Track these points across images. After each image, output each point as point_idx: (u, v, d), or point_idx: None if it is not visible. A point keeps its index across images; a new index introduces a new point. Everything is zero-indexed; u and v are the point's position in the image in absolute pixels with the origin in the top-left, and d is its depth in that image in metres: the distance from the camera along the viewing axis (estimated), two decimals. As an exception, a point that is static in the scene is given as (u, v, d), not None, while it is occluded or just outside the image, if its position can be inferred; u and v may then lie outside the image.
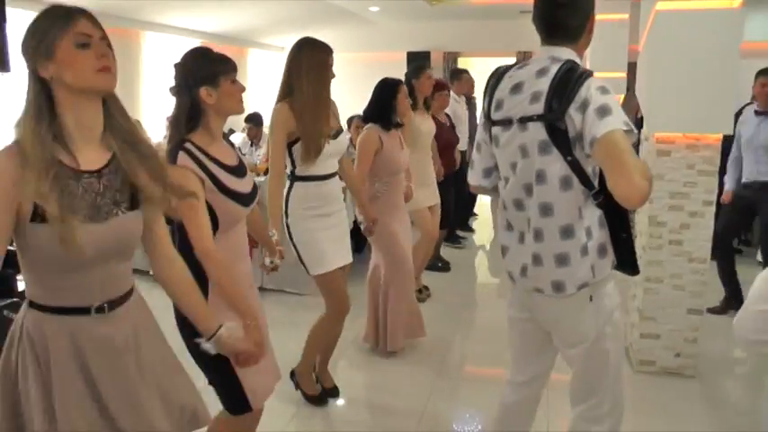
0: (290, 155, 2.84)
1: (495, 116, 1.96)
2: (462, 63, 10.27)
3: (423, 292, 4.74)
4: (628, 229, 1.90)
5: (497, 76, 2.00)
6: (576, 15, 1.86)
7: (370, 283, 3.80)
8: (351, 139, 6.35)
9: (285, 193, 2.90)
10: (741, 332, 1.25)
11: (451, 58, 10.31)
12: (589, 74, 1.79)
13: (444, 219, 4.92)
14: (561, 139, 1.79)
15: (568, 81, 1.77)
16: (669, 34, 3.33)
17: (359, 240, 4.97)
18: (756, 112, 4.40)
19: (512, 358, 2.21)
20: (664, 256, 3.45)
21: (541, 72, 1.85)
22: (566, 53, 1.87)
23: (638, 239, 3.69)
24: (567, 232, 1.86)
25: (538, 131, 1.83)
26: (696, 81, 3.27)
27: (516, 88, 1.91)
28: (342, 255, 3.04)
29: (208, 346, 1.67)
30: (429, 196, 4.52)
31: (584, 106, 1.73)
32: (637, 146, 6.01)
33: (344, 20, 9.72)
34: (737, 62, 3.36)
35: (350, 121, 6.70)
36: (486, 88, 2.03)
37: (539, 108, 1.82)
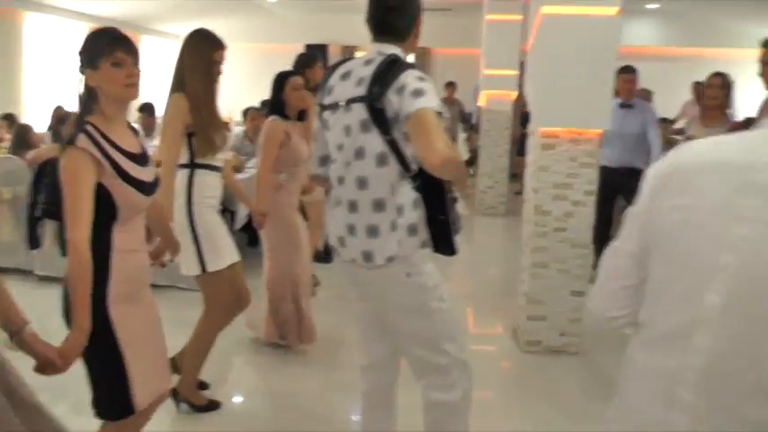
0: (190, 146, 2.79)
1: (326, 101, 2.12)
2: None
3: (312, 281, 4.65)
4: (445, 212, 2.04)
5: (332, 69, 2.16)
6: (403, 18, 2.05)
7: (273, 279, 3.68)
8: (246, 132, 6.27)
9: (186, 183, 2.81)
10: (597, 310, 1.30)
11: (349, 51, 10.40)
12: (410, 65, 1.98)
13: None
14: (381, 119, 1.95)
15: (390, 69, 1.95)
16: (553, 37, 3.57)
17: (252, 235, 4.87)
18: (621, 105, 4.88)
19: (361, 343, 2.35)
20: (549, 243, 3.70)
21: (368, 62, 2.02)
22: (392, 49, 2.04)
23: (524, 227, 3.93)
24: (379, 206, 2.00)
25: (360, 111, 1.98)
26: (578, 81, 3.53)
27: (345, 76, 2.07)
28: (233, 253, 2.99)
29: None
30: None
31: (401, 89, 1.90)
32: (523, 140, 6.35)
33: (243, 9, 9.55)
34: (615, 64, 3.67)
35: (245, 112, 6.62)
36: (322, 81, 2.19)
37: (362, 90, 1.97)
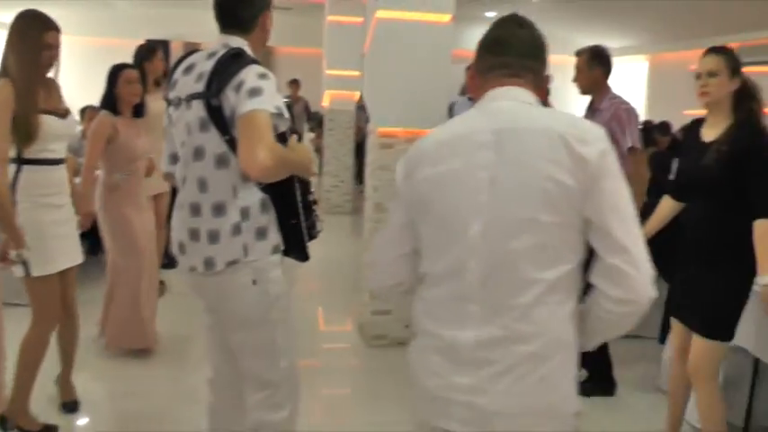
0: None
1: (171, 96, 2.03)
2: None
3: (160, 287, 4.47)
4: (296, 216, 1.97)
5: (179, 61, 2.07)
6: (248, 8, 1.97)
7: (112, 282, 3.55)
8: (84, 132, 5.84)
9: (12, 181, 2.54)
10: (379, 282, 1.55)
11: (192, 48, 10.00)
12: (254, 60, 1.89)
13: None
14: (218, 117, 1.85)
15: (231, 64, 1.85)
16: (389, 40, 3.70)
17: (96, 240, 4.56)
18: (470, 99, 5.15)
19: (208, 356, 2.19)
20: (390, 240, 3.81)
21: (211, 55, 1.92)
22: (238, 42, 1.95)
23: (366, 225, 4.03)
24: (220, 209, 1.89)
25: (199, 109, 1.89)
26: (414, 83, 3.68)
27: (188, 69, 1.97)
28: (71, 255, 2.76)
29: None
30: (156, 183, 3.94)
31: (239, 86, 1.80)
32: (363, 141, 6.49)
33: (77, -1, 8.85)
34: (450, 67, 3.86)
35: (83, 111, 6.18)
36: (170, 74, 2.09)
37: (200, 86, 1.88)
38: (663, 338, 3.66)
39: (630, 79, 11.24)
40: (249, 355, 2.02)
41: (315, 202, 2.06)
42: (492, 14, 10.49)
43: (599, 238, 1.30)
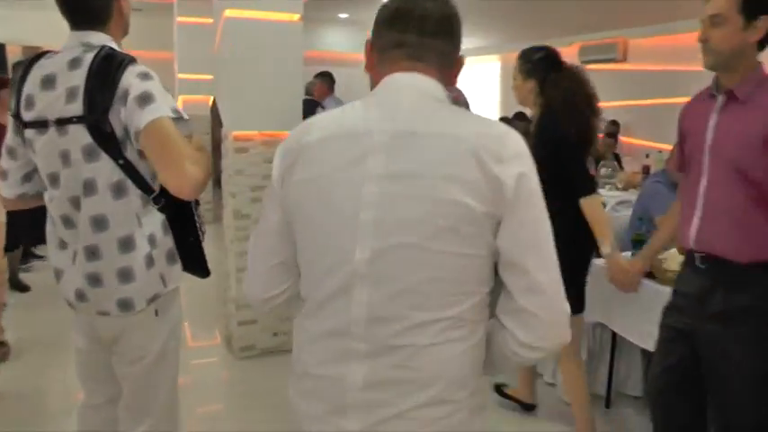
0: None
1: (27, 117, 1.68)
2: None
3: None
4: (195, 232, 1.83)
5: (25, 67, 1.74)
6: None
7: None
8: None
9: None
10: (254, 294, 1.29)
11: (32, 52, 9.14)
12: (131, 59, 1.66)
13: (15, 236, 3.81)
14: (109, 140, 1.62)
15: (107, 72, 1.61)
16: (238, 40, 3.57)
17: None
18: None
19: (81, 382, 1.97)
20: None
21: (75, 63, 1.64)
22: (99, 38, 1.69)
23: (226, 233, 3.88)
24: (127, 244, 1.68)
25: (81, 135, 1.62)
26: (266, 84, 3.58)
27: (48, 82, 1.66)
28: None
29: None
30: None
31: (124, 96, 1.59)
32: (218, 146, 6.25)
33: None
34: (301, 68, 3.80)
35: None
36: (12, 82, 1.80)
37: (78, 108, 1.61)
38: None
39: (485, 78, 11.77)
40: (139, 387, 1.84)
41: (198, 203, 1.90)
42: (345, 16, 10.58)
43: (511, 275, 1.10)
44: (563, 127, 2.53)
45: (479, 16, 9.12)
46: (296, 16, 3.68)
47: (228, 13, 3.57)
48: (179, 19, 7.23)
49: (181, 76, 7.28)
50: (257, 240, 1.28)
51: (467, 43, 11.93)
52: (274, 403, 3.25)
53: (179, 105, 5.79)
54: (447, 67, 1.21)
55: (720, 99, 1.95)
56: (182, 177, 1.60)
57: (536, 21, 8.55)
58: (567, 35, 8.88)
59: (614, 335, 3.15)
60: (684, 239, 2.02)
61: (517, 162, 1.07)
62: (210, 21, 7.30)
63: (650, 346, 2.60)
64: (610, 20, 7.98)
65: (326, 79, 6.13)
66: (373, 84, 1.22)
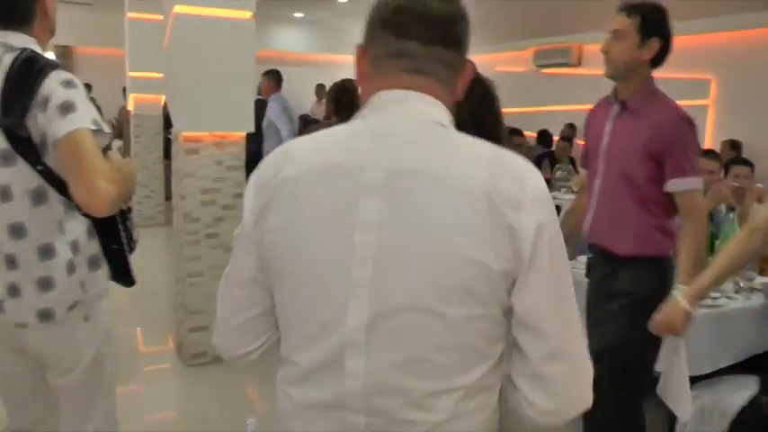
0: None
1: None
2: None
3: None
4: (118, 241, 1.76)
5: None
6: None
7: None
8: None
9: None
10: (227, 349, 1.12)
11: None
12: (54, 65, 1.58)
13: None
14: (26, 145, 1.55)
15: (27, 76, 1.53)
16: (188, 37, 3.47)
17: None
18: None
19: (4, 402, 1.85)
20: (202, 251, 3.59)
21: None
22: (21, 40, 1.62)
23: (176, 237, 3.77)
24: (47, 252, 1.61)
25: None
26: (218, 83, 3.48)
27: None
28: None
29: None
30: None
31: (45, 103, 1.53)
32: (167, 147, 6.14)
33: None
34: (254, 68, 3.72)
35: None
36: None
37: None
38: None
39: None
40: (76, 396, 1.77)
41: (130, 210, 1.83)
42: (300, 15, 10.49)
43: (529, 338, 0.94)
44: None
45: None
46: (248, 14, 3.60)
47: (178, 8, 3.46)
48: (130, 14, 7.02)
49: (132, 74, 7.07)
50: (229, 288, 1.09)
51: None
52: (224, 411, 3.19)
53: (130, 105, 5.70)
54: (453, 79, 1.01)
55: (615, 108, 2.19)
56: (92, 193, 1.53)
57: (490, 24, 8.63)
58: (521, 39, 8.98)
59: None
60: (584, 230, 2.31)
61: (537, 209, 0.91)
62: (161, 17, 7.20)
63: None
64: (564, 24, 8.11)
65: (273, 76, 6.06)
66: (363, 98, 1.03)
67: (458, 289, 0.89)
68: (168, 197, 6.62)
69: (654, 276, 2.13)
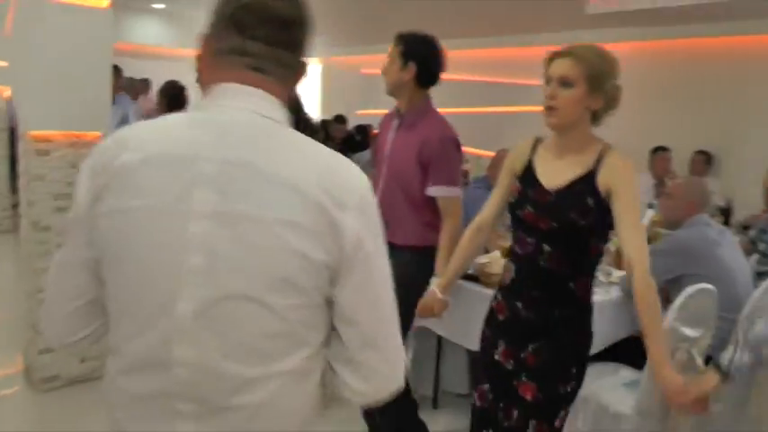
0: None
1: None
2: None
3: None
4: None
5: None
6: None
7: None
8: None
9: None
10: (55, 338, 1.11)
11: None
12: None
13: None
14: None
15: None
16: (35, 24, 3.13)
17: None
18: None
19: None
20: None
21: None
22: None
23: (23, 247, 3.41)
24: None
25: None
26: (71, 77, 3.17)
27: None
28: None
29: None
30: None
31: None
32: (12, 144, 5.57)
33: None
34: (111, 61, 3.43)
35: None
36: None
37: None
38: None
39: (306, 80, 11.74)
40: None
41: None
42: (161, 6, 9.98)
43: (348, 329, 1.02)
44: None
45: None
46: (105, 2, 3.32)
47: (23, -6, 3.12)
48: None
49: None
50: (58, 274, 1.08)
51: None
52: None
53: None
54: (291, 78, 1.08)
55: (396, 121, 2.54)
56: None
57: (361, 26, 8.68)
58: (388, 42, 9.12)
59: (439, 338, 3.23)
60: None
61: (361, 211, 0.98)
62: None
63: (475, 345, 2.76)
64: (437, 31, 8.32)
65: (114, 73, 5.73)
66: (203, 87, 1.06)
67: (284, 279, 0.94)
68: (15, 204, 6.01)
69: (421, 264, 2.49)
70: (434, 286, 2.28)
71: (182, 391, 0.96)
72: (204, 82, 1.05)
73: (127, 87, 6.20)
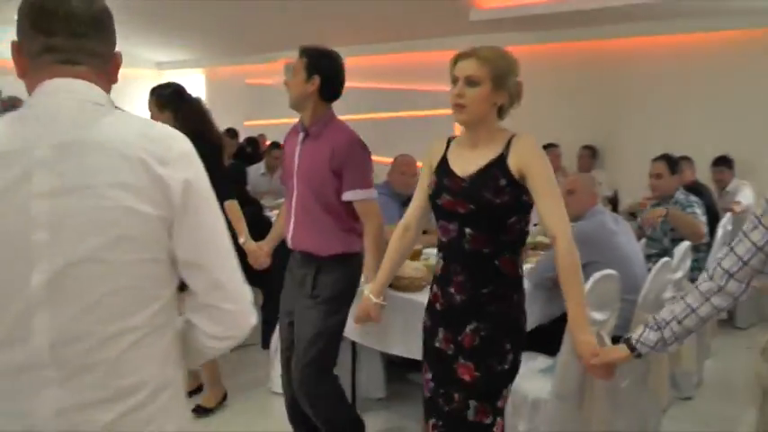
0: None
1: None
2: None
3: None
4: None
5: None
6: None
7: None
8: None
9: None
10: None
11: None
12: None
13: None
14: None
15: None
16: None
17: None
18: None
19: None
20: None
21: None
22: None
23: None
24: None
25: None
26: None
27: None
28: None
29: None
30: None
31: None
32: None
33: None
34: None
35: None
36: None
37: None
38: (266, 343, 3.71)
39: (191, 90, 11.37)
40: None
41: None
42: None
43: (191, 275, 1.15)
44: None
45: (184, 32, 8.83)
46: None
47: None
48: None
49: None
50: None
51: (172, 56, 11.43)
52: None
53: None
54: (104, 67, 1.17)
55: (301, 135, 2.54)
56: None
57: (245, 36, 8.51)
58: (273, 51, 8.98)
59: (353, 345, 3.20)
60: (286, 239, 2.62)
61: (183, 165, 1.10)
62: None
63: (390, 349, 2.87)
64: (323, 38, 8.26)
65: None
66: (29, 90, 1.13)
67: (122, 236, 1.05)
68: None
69: (348, 273, 2.55)
70: (368, 292, 2.30)
71: (45, 358, 1.03)
72: (29, 86, 1.13)
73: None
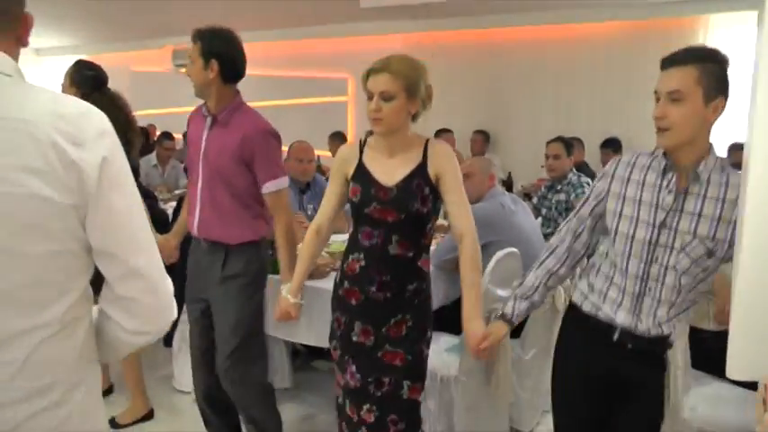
0: None
1: None
2: None
3: None
4: None
5: None
6: None
7: None
8: None
9: None
10: None
11: None
12: None
13: None
14: None
15: None
16: None
17: None
18: None
19: None
20: None
21: None
22: None
23: None
24: None
25: None
26: None
27: None
28: None
29: None
30: None
31: None
32: None
33: None
34: None
35: None
36: None
37: None
38: (168, 341, 3.58)
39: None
40: None
41: None
42: None
43: (106, 265, 1.05)
44: None
45: (64, 15, 8.28)
46: None
47: None
48: None
49: None
50: None
51: (52, 42, 10.68)
52: None
53: None
54: (11, 27, 1.04)
55: (208, 120, 2.42)
56: None
57: (126, 21, 8.08)
58: (159, 37, 8.56)
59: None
60: (191, 228, 2.53)
61: (98, 145, 1.00)
62: None
63: (297, 338, 2.88)
64: (204, 23, 7.98)
65: None
66: None
67: (30, 225, 0.95)
68: None
69: (257, 258, 2.53)
70: (286, 293, 2.30)
71: None
72: None
73: None
